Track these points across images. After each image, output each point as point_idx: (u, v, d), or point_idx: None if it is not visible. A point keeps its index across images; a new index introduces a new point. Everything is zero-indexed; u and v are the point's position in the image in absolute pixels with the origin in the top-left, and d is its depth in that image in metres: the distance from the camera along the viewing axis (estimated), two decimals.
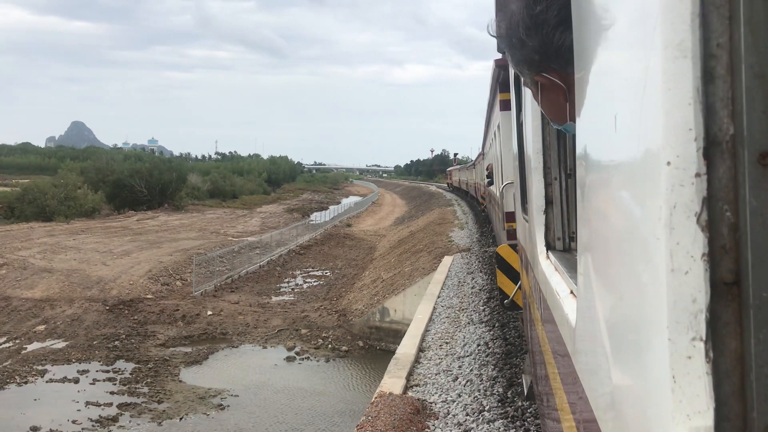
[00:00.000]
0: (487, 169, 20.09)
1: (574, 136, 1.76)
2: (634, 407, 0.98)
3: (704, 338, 0.76)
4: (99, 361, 20.12)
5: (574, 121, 1.58)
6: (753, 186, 0.73)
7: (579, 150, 1.40)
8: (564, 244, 3.01)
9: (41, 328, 23.07)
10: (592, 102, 1.23)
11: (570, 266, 2.35)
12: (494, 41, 1.90)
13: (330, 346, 21.63)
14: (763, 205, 0.73)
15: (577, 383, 1.61)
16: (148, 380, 18.50)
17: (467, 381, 9.17)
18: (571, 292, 2.01)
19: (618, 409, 1.09)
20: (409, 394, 8.78)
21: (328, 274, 35.42)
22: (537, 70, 1.70)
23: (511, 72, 5.03)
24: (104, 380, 18.61)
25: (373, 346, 21.23)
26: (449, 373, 9.62)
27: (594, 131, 1.23)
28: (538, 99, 1.82)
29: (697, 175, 0.76)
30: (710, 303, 0.75)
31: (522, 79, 1.95)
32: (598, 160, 1.20)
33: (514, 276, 8.80)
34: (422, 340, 11.56)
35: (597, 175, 1.22)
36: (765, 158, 0.72)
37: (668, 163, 0.78)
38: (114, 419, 15.90)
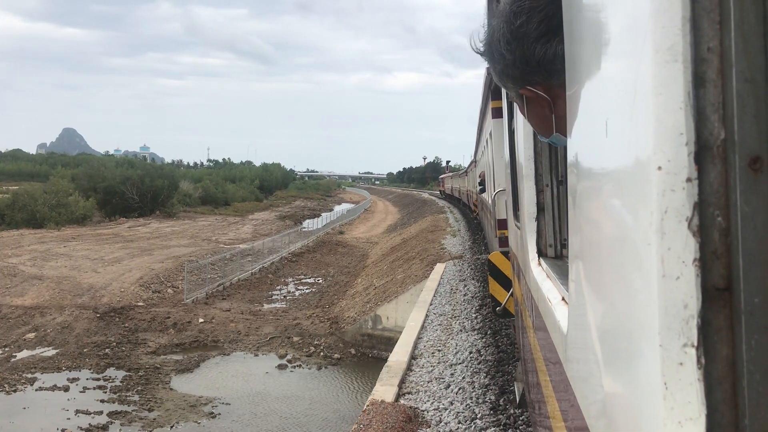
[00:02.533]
0: (479, 177, 20.14)
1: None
2: (625, 414, 0.97)
3: (696, 344, 0.75)
4: (89, 369, 20.00)
5: (562, 133, 1.58)
6: (744, 191, 0.73)
7: (570, 156, 1.40)
8: (555, 251, 3.01)
9: (31, 335, 22.91)
10: (584, 108, 1.23)
11: (562, 273, 2.35)
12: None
13: (322, 353, 21.56)
14: (754, 210, 0.72)
15: (569, 390, 1.61)
16: (139, 388, 18.40)
17: (459, 389, 9.15)
18: (563, 299, 2.01)
19: (610, 417, 1.09)
20: (401, 401, 8.75)
21: (321, 281, 35.37)
22: (521, 84, 1.71)
23: None
24: (94, 388, 18.49)
25: (366, 353, 21.18)
26: (441, 380, 9.60)
27: (585, 137, 1.23)
28: (525, 113, 1.83)
29: (688, 180, 0.76)
30: (702, 309, 0.75)
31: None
32: (589, 166, 1.20)
33: (506, 283, 8.81)
34: (414, 347, 11.53)
35: (588, 181, 1.21)
36: (756, 163, 0.72)
37: (659, 168, 0.77)
38: (104, 427, 15.80)
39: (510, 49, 1.64)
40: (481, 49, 1.79)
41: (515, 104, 3.75)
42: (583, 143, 1.26)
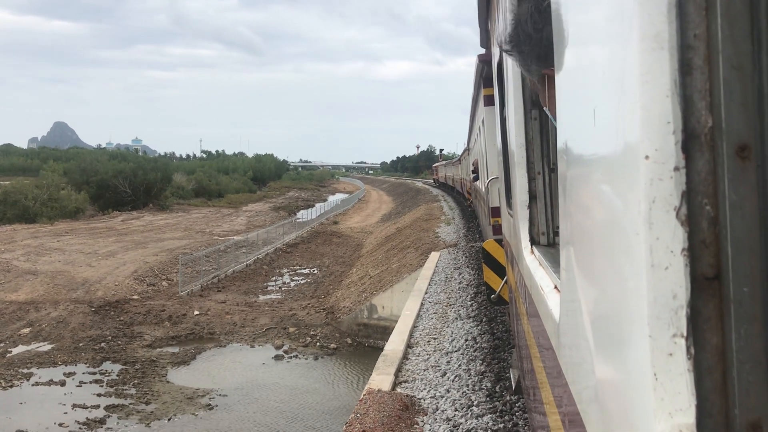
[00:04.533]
0: (472, 165, 20.12)
1: (555, 130, 1.77)
2: (616, 403, 0.97)
3: (685, 334, 0.75)
4: (85, 363, 19.98)
5: None
6: (732, 179, 0.72)
7: (560, 144, 1.39)
8: (548, 238, 3.01)
9: (26, 331, 22.86)
10: (572, 96, 1.22)
11: (554, 261, 2.34)
12: (468, 37, 1.91)
13: (318, 343, 21.60)
14: (743, 199, 0.72)
15: (562, 377, 1.61)
16: (136, 381, 18.40)
17: (455, 376, 9.18)
18: (555, 287, 2.01)
19: (601, 405, 1.08)
20: (398, 390, 8.78)
21: (316, 271, 35.37)
22: (546, 64, 1.74)
23: (494, 67, 5.02)
24: (91, 382, 18.49)
25: (362, 343, 21.23)
26: (437, 368, 9.63)
27: (574, 125, 1.22)
28: (545, 95, 1.85)
29: (676, 168, 0.75)
30: (691, 298, 0.74)
31: (526, 78, 1.97)
32: (578, 155, 1.19)
33: (500, 271, 8.82)
34: (410, 336, 11.56)
35: (577, 169, 1.21)
36: (743, 151, 0.71)
37: (646, 157, 0.77)
38: (101, 421, 15.80)
39: (537, 28, 1.68)
40: (508, 43, 1.82)
41: (506, 92, 3.74)
42: (571, 131, 1.25)
